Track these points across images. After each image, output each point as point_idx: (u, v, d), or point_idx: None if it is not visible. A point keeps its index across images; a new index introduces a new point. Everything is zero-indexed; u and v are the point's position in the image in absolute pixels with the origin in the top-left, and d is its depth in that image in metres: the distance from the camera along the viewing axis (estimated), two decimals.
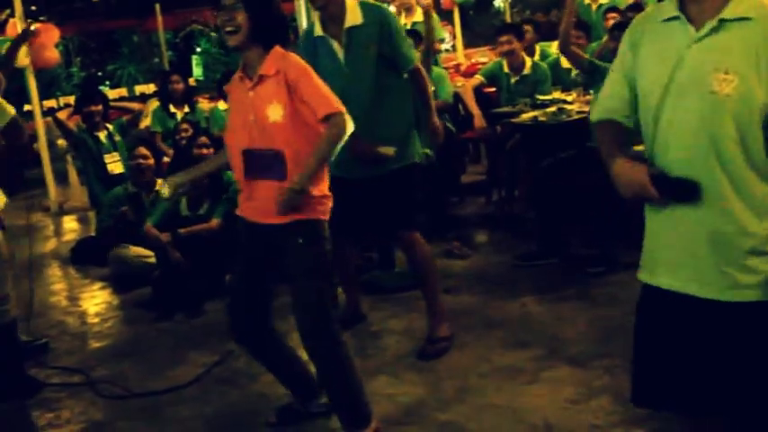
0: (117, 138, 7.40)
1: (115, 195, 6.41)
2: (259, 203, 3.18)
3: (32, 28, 5.06)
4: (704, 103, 2.04)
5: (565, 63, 6.53)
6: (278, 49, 3.13)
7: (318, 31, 4.03)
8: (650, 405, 2.36)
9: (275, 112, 3.06)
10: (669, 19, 2.15)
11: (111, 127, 7.43)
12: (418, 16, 8.26)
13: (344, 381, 3.24)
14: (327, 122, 3.06)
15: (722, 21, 2.05)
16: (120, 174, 7.13)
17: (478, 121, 6.62)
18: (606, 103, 2.36)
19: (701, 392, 2.17)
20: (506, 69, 6.67)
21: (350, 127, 3.10)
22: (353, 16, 3.95)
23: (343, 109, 3.09)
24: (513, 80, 6.65)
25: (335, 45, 3.98)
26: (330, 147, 3.08)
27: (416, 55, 4.28)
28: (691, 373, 2.17)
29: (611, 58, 2.49)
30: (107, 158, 7.18)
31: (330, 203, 3.23)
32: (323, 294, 3.18)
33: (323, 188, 3.20)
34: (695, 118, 2.06)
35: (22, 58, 9.11)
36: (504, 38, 6.61)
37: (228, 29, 3.06)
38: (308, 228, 3.15)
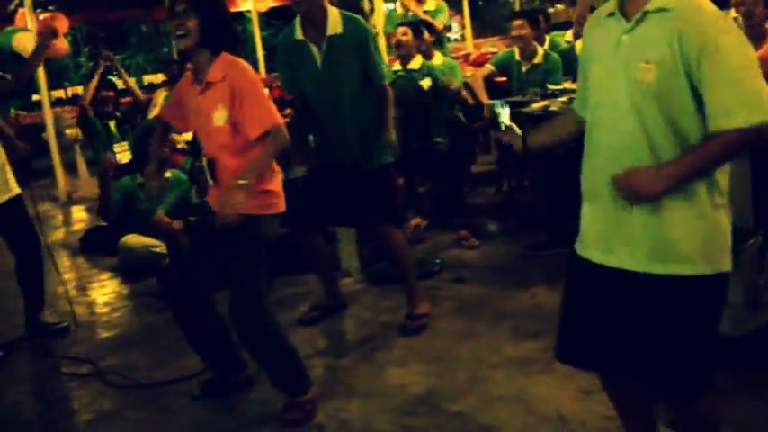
0: (126, 126, 7.39)
1: (123, 186, 6.35)
2: (215, 194, 3.42)
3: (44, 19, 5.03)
4: (633, 91, 2.18)
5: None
6: (226, 55, 3.34)
7: (299, 34, 4.20)
8: (571, 362, 2.56)
9: (220, 117, 3.29)
10: (609, 15, 2.30)
11: (118, 115, 7.42)
12: (429, 5, 8.23)
13: (281, 357, 3.45)
14: (268, 136, 3.28)
15: (645, 13, 2.18)
16: (127, 163, 7.10)
17: (488, 110, 6.58)
18: (576, 102, 2.59)
19: (613, 354, 2.37)
20: (518, 58, 6.62)
21: (288, 137, 3.35)
22: (335, 25, 4.13)
23: (281, 121, 3.33)
24: (524, 69, 6.59)
25: (314, 50, 4.16)
26: (271, 159, 3.35)
27: (388, 72, 4.55)
28: (605, 336, 2.36)
29: None
30: (116, 148, 7.17)
31: (279, 200, 3.46)
32: (257, 283, 3.35)
33: (273, 185, 3.42)
34: (627, 105, 2.20)
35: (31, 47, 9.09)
36: (517, 23, 6.56)
37: (179, 33, 3.27)
38: (250, 222, 3.33)
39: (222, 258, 3.42)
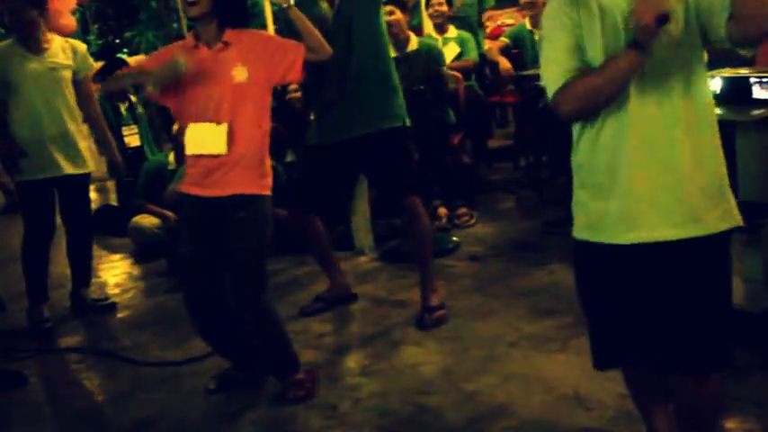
0: (139, 110, 7.26)
1: (154, 166, 6.18)
2: (206, 177, 3.32)
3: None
4: (662, 49, 2.17)
5: None
6: (232, 29, 3.32)
7: None
8: (613, 365, 2.52)
9: (240, 74, 3.27)
10: None
11: (134, 98, 7.28)
12: None
13: (278, 342, 3.48)
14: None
15: None
16: (137, 147, 7.01)
17: (504, 64, 6.47)
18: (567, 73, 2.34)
19: (653, 339, 2.31)
20: (529, 27, 6.54)
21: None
22: None
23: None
24: (536, 37, 6.48)
25: (325, 6, 4.00)
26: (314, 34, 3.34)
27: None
28: (647, 323, 2.30)
29: None
30: (125, 131, 7.05)
31: (271, 180, 3.41)
32: (261, 268, 3.36)
33: (268, 165, 3.39)
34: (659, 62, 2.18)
35: None
36: None
37: (190, 0, 3.24)
38: (252, 203, 3.31)
39: (222, 239, 3.35)
